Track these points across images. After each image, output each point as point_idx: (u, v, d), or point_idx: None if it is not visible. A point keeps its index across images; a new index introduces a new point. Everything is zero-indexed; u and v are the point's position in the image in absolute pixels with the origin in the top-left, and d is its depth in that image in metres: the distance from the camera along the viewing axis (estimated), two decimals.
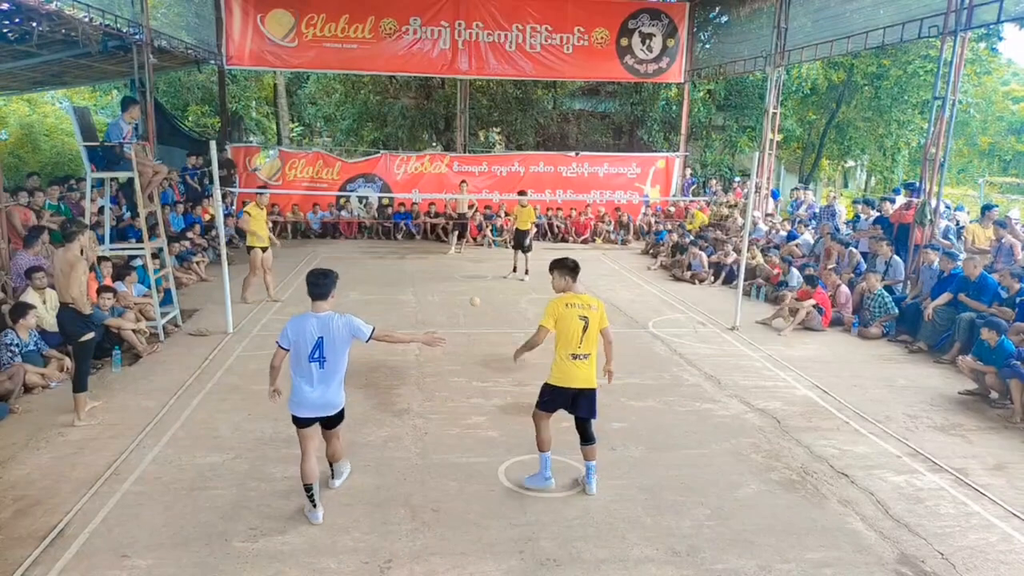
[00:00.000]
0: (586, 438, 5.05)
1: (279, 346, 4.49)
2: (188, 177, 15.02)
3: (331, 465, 4.99)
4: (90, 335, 6.14)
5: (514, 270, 12.98)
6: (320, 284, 4.47)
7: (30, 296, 7.36)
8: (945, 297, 8.80)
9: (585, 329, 4.81)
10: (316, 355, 4.38)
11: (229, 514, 4.67)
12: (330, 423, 4.67)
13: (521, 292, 11.59)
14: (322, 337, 4.38)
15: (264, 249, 10.31)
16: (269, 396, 4.68)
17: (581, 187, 18.40)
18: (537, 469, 5.20)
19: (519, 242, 12.80)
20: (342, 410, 4.68)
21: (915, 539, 4.62)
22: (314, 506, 4.62)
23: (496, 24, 17.34)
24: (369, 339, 4.51)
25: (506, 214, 17.11)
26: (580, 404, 4.96)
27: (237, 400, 6.63)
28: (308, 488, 4.61)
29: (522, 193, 13.59)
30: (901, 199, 12.33)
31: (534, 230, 13.35)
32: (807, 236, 13.14)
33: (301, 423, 4.56)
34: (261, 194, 11.05)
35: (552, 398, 4.99)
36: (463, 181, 16.01)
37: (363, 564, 4.18)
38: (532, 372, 7.67)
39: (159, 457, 5.46)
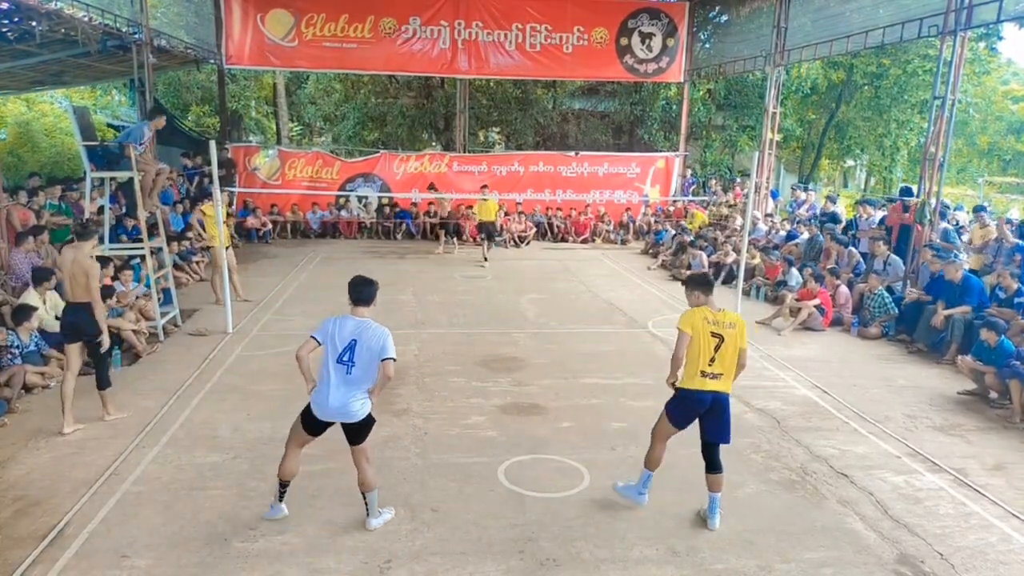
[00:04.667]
0: (712, 466, 4.66)
1: (312, 337, 4.39)
2: (187, 177, 15.03)
3: (364, 497, 4.55)
4: (103, 336, 6.12)
5: (484, 259, 14.13)
6: (364, 290, 4.50)
7: (31, 297, 7.35)
8: (940, 305, 8.79)
9: (718, 348, 4.40)
10: (346, 357, 4.31)
11: (229, 514, 4.67)
12: (352, 435, 4.43)
13: (521, 292, 11.59)
14: (355, 340, 4.31)
15: (227, 248, 10.06)
16: (308, 392, 4.44)
17: (581, 187, 18.39)
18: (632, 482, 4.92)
19: (489, 233, 14.54)
20: (365, 423, 4.43)
21: (914, 539, 4.63)
22: (280, 500, 4.61)
23: (496, 23, 17.34)
24: (385, 360, 4.31)
25: (506, 214, 17.12)
26: (708, 423, 4.58)
27: (237, 400, 6.63)
28: (283, 485, 4.59)
29: (484, 187, 15.11)
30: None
31: (502, 218, 15.73)
32: (807, 235, 13.14)
33: (308, 424, 4.43)
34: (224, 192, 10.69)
35: (682, 407, 4.58)
36: (431, 185, 16.32)
37: (363, 564, 4.19)
38: (532, 372, 7.68)
39: (159, 457, 5.46)
